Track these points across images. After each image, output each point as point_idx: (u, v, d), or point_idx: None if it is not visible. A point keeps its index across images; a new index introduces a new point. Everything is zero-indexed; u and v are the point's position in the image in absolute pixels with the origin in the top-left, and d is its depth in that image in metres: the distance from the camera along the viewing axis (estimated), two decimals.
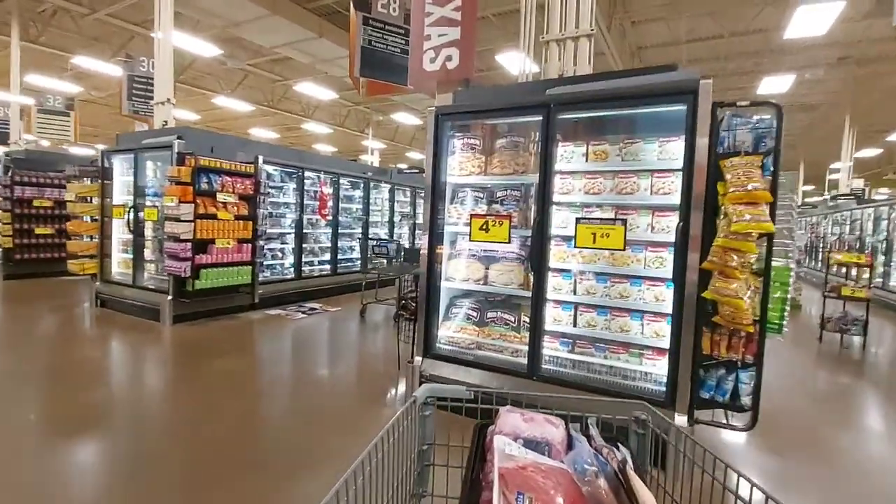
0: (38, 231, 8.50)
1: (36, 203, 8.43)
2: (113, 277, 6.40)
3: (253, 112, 16.33)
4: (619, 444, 1.03)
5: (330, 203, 7.73)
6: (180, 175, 5.24)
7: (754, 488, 0.83)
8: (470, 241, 3.33)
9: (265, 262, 6.65)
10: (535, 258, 3.07)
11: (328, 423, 3.18)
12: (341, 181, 8.10)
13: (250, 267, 6.05)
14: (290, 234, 7.33)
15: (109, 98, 16.77)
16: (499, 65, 10.30)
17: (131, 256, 6.19)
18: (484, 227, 3.22)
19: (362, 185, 8.71)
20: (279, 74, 13.62)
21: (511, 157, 3.35)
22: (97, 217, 6.40)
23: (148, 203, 5.99)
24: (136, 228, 5.99)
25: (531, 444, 0.96)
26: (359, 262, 8.45)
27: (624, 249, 2.87)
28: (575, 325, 3.13)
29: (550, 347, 3.19)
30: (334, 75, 11.94)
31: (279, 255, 7.28)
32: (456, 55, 3.95)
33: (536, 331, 3.08)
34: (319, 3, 9.15)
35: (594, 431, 1.04)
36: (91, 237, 6.55)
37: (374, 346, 5.21)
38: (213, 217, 5.57)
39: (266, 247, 6.63)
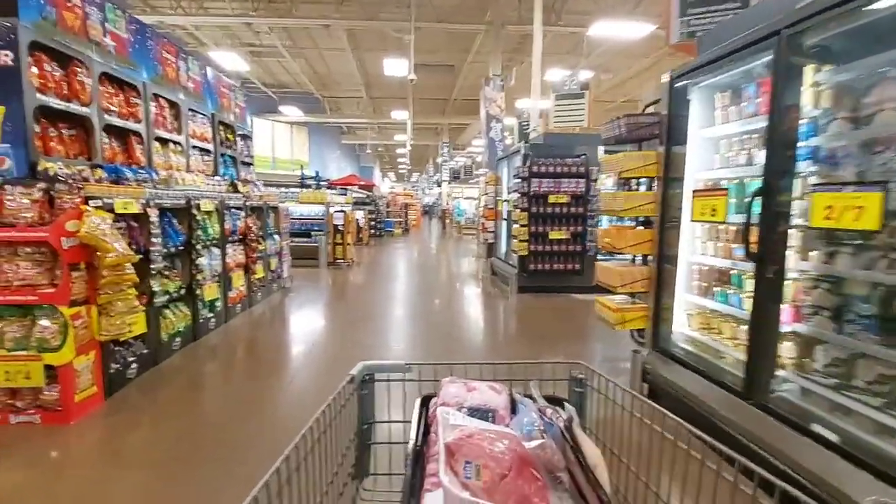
0: (551, 235, 6.65)
1: (551, 199, 6.55)
2: (675, 348, 3.05)
3: None
4: (565, 404, 1.01)
5: None
6: None
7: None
8: None
9: None
10: None
11: None
12: None
13: None
14: None
15: (616, 88, 15.33)
16: None
17: (722, 306, 2.62)
18: None
19: None
20: None
21: None
22: (653, 218, 3.19)
23: (797, 180, 2.17)
24: (767, 241, 2.28)
25: (475, 412, 0.91)
26: None
27: None
28: None
29: None
30: None
31: None
32: None
33: None
34: None
35: (536, 394, 1.00)
36: (635, 259, 3.44)
37: None
38: None
39: None
